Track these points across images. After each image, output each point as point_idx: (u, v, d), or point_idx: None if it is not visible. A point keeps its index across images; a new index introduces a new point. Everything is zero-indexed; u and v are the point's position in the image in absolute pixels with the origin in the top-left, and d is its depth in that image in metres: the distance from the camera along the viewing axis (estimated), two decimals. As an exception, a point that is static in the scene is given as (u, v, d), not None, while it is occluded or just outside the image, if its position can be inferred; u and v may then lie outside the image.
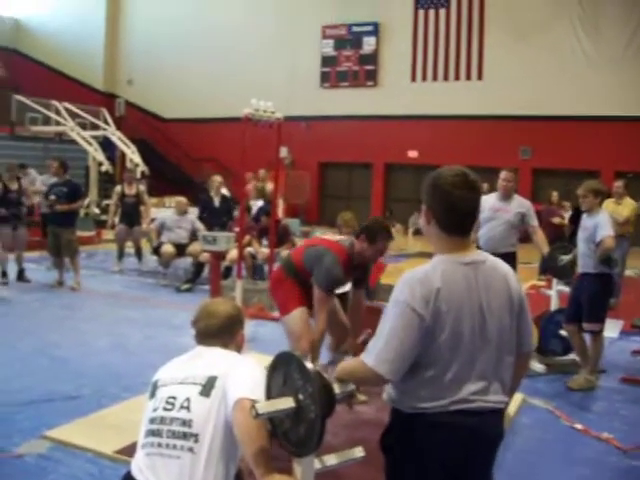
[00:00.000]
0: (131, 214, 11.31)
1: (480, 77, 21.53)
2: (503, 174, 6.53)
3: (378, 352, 2.16)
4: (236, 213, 10.65)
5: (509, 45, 20.66)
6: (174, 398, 2.42)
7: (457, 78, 21.87)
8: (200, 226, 10.27)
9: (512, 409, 4.85)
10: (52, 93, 22.05)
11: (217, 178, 11.02)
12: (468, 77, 21.72)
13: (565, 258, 6.28)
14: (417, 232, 20.73)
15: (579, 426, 4.86)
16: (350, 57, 23.58)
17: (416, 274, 2.22)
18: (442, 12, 22.04)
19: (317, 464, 2.22)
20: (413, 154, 22.37)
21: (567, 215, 12.50)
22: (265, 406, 2.15)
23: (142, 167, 18.89)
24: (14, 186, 9.71)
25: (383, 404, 2.42)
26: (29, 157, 17.35)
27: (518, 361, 2.38)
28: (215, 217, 10.52)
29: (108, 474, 3.76)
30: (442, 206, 2.27)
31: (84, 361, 6.03)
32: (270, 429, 2.25)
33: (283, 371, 2.21)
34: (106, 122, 21.50)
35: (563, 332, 6.18)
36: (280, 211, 13.66)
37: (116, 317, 7.96)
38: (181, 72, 25.40)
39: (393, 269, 9.92)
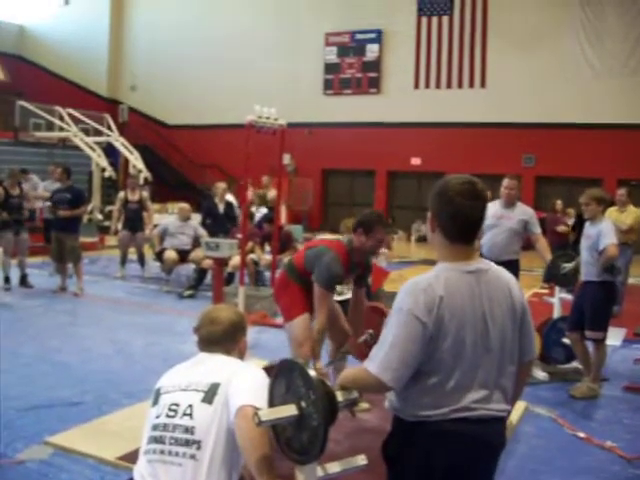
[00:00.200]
0: (134, 220, 11.32)
1: (483, 85, 21.55)
2: (506, 182, 6.52)
3: (381, 359, 2.16)
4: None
5: (512, 53, 20.68)
6: (177, 405, 2.41)
7: (460, 86, 21.90)
8: (203, 232, 10.27)
9: (515, 417, 4.84)
10: (56, 99, 22.13)
11: (221, 185, 11.04)
12: (471, 85, 21.74)
13: (568, 266, 6.27)
14: (420, 239, 20.83)
15: (582, 434, 4.84)
16: (353, 64, 23.62)
17: (419, 282, 2.22)
18: (445, 19, 22.08)
19: (319, 472, 2.21)
20: (416, 161, 22.39)
21: (571, 222, 12.49)
22: (268, 413, 2.15)
23: (145, 173, 18.91)
24: (15, 191, 9.72)
25: (386, 412, 2.42)
26: (32, 163, 17.38)
27: (520, 369, 2.38)
28: (219, 223, 10.52)
29: (110, 481, 3.75)
30: (447, 214, 2.27)
31: (86, 367, 6.03)
32: (272, 436, 2.25)
33: (286, 378, 2.21)
34: (109, 128, 21.54)
35: (566, 340, 6.17)
36: (283, 218, 13.66)
37: (118, 323, 7.96)
38: (184, 78, 25.47)
39: (396, 276, 9.92)
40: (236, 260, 8.79)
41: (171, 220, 10.96)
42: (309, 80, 23.86)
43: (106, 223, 16.14)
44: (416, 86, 22.51)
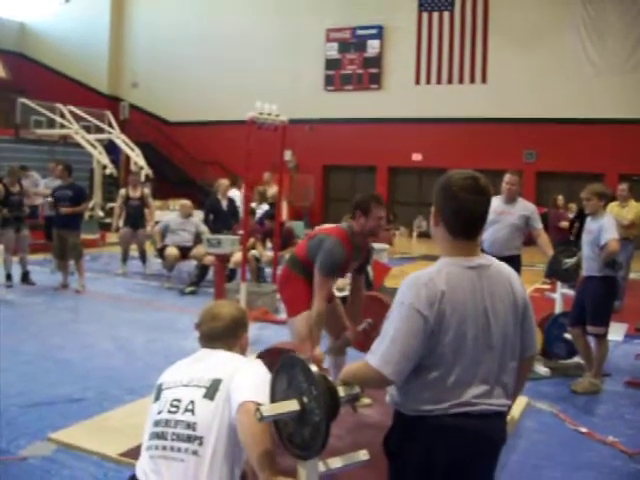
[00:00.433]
0: (135, 217, 11.33)
1: (484, 80, 21.52)
2: (507, 177, 6.52)
3: (382, 353, 2.16)
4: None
5: (513, 49, 20.65)
6: (179, 401, 2.42)
7: (461, 81, 21.86)
8: (204, 229, 10.28)
9: (517, 412, 4.84)
10: (57, 96, 22.15)
11: (224, 181, 11.07)
12: (472, 80, 21.70)
13: (569, 261, 6.27)
14: (421, 235, 20.84)
15: (584, 430, 4.84)
16: (354, 60, 23.59)
17: (421, 276, 2.22)
18: (446, 15, 22.04)
19: (321, 467, 2.22)
20: (417, 157, 22.38)
21: (572, 216, 12.47)
22: (270, 409, 2.15)
23: (146, 170, 18.93)
24: (16, 189, 9.72)
25: (387, 407, 2.42)
26: (33, 160, 17.39)
27: (522, 364, 2.38)
28: (223, 220, 10.53)
29: (112, 477, 3.76)
30: (450, 209, 2.27)
31: (87, 364, 6.03)
32: (274, 432, 2.25)
33: (287, 374, 2.21)
34: (110, 125, 21.56)
35: (567, 335, 6.17)
36: (284, 214, 13.67)
37: (120, 320, 7.97)
38: (185, 75, 25.46)
39: (397, 272, 9.94)
40: (237, 256, 8.79)
41: (172, 217, 10.97)
42: (310, 76, 23.83)
43: (107, 220, 16.16)
44: (417, 82, 22.48)
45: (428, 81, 22.34)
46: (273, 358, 3.54)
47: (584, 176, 16.63)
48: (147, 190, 12.20)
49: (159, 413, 2.44)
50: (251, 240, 9.34)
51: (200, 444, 2.33)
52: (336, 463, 2.26)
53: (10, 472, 3.85)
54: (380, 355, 2.16)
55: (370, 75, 23.32)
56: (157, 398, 2.50)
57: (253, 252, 9.54)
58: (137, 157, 19.63)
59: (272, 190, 11.59)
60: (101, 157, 19.17)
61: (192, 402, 2.39)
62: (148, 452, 2.41)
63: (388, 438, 2.36)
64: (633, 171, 18.08)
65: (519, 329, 2.33)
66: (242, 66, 24.26)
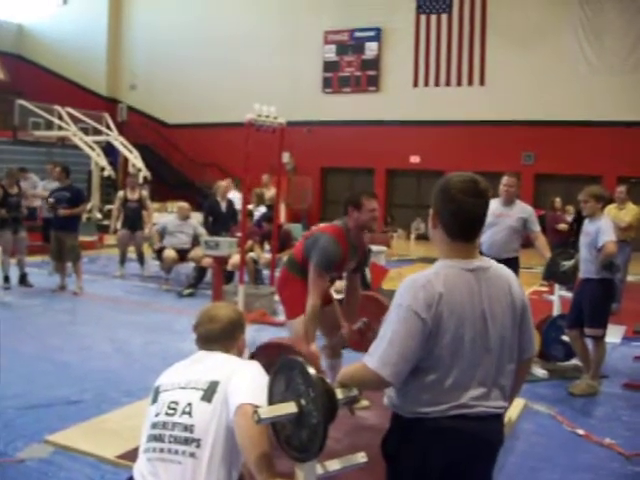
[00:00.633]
0: (133, 219, 11.32)
1: (482, 82, 21.55)
2: (505, 179, 6.52)
3: (380, 355, 2.16)
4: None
5: (511, 50, 20.68)
6: (176, 403, 2.42)
7: (459, 84, 21.89)
8: (202, 231, 10.27)
9: (514, 414, 4.84)
10: (55, 98, 22.15)
11: (223, 183, 11.07)
12: (470, 82, 21.74)
13: (567, 264, 6.28)
14: (419, 237, 20.84)
15: (581, 432, 4.84)
16: (352, 62, 23.62)
17: (419, 279, 2.22)
18: (444, 17, 22.07)
19: (319, 470, 2.21)
20: (415, 159, 22.39)
21: (570, 219, 12.47)
22: (267, 411, 2.15)
23: (144, 172, 18.93)
24: (14, 190, 9.71)
25: (385, 410, 2.42)
26: (31, 162, 17.35)
27: (520, 367, 2.38)
28: (222, 222, 10.52)
29: (109, 479, 3.75)
30: (449, 211, 2.27)
31: (85, 366, 6.03)
32: (272, 434, 2.25)
33: (285, 376, 2.21)
34: (108, 127, 21.56)
35: (565, 337, 6.17)
36: (282, 216, 13.67)
37: (118, 322, 7.96)
38: (183, 77, 25.47)
39: (395, 274, 9.94)
40: (235, 259, 8.78)
41: (170, 219, 10.95)
42: (308, 78, 23.86)
43: (105, 222, 16.16)
44: (415, 84, 22.51)
45: (426, 83, 22.38)
46: (269, 352, 3.56)
47: (582, 178, 16.64)
48: (145, 192, 12.19)
49: (156, 415, 2.44)
50: (249, 242, 9.33)
51: (197, 446, 2.32)
52: (334, 465, 2.25)
53: (7, 474, 3.84)
54: (378, 357, 2.16)
55: (368, 77, 23.34)
56: (154, 400, 2.50)
57: (251, 254, 9.53)
58: (135, 159, 19.63)
59: (270, 192, 11.59)
60: (99, 159, 19.17)
61: (189, 404, 2.39)
62: (145, 454, 2.41)
63: (386, 440, 2.36)
64: (631, 173, 18.11)
65: (517, 331, 2.33)
66: (240, 68, 24.28)
